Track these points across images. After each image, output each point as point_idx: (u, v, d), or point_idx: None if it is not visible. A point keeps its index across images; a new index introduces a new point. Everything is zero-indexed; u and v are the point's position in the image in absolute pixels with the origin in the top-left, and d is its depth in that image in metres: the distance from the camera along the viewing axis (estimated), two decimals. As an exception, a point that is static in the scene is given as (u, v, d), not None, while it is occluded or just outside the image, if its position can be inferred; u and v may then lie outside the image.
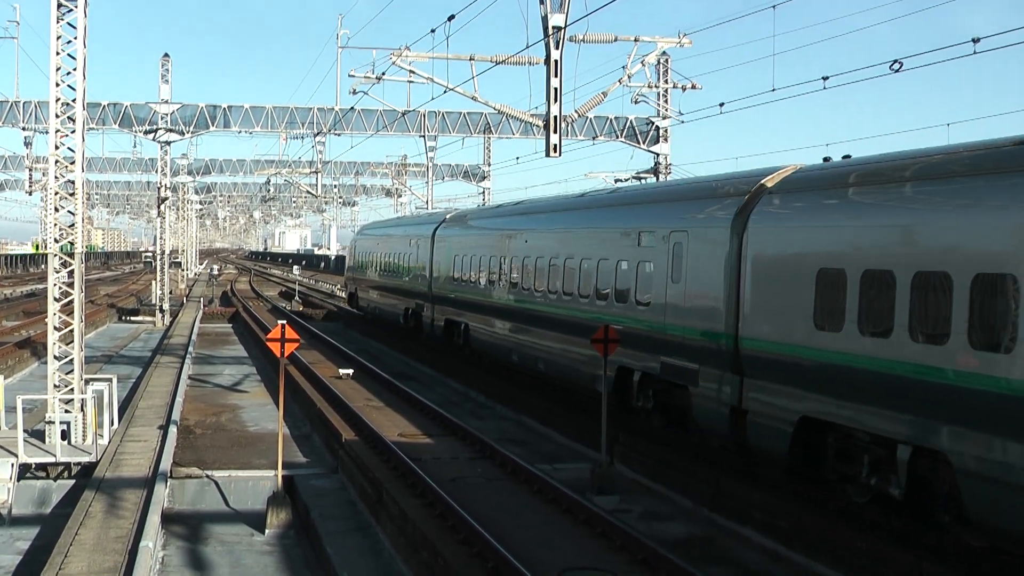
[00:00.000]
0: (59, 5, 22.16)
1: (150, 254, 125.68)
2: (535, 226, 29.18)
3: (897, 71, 23.54)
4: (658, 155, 50.85)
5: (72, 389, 22.44)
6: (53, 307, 22.81)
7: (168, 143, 53.90)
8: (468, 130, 54.08)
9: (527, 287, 28.21)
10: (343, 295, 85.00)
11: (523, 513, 17.60)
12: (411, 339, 42.86)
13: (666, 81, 47.53)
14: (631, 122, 51.32)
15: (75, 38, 22.30)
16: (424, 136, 57.59)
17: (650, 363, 21.17)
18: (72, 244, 22.70)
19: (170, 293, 64.02)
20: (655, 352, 20.95)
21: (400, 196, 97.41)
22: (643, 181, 49.72)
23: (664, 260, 20.53)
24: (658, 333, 20.72)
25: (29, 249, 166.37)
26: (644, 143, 51.19)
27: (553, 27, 23.25)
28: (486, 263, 31.90)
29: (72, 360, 22.64)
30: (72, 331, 22.73)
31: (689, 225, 20.10)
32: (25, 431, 21.57)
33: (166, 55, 53.58)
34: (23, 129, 54.71)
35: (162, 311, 58.12)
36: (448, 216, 40.47)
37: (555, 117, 23.87)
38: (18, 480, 20.76)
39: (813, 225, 16.64)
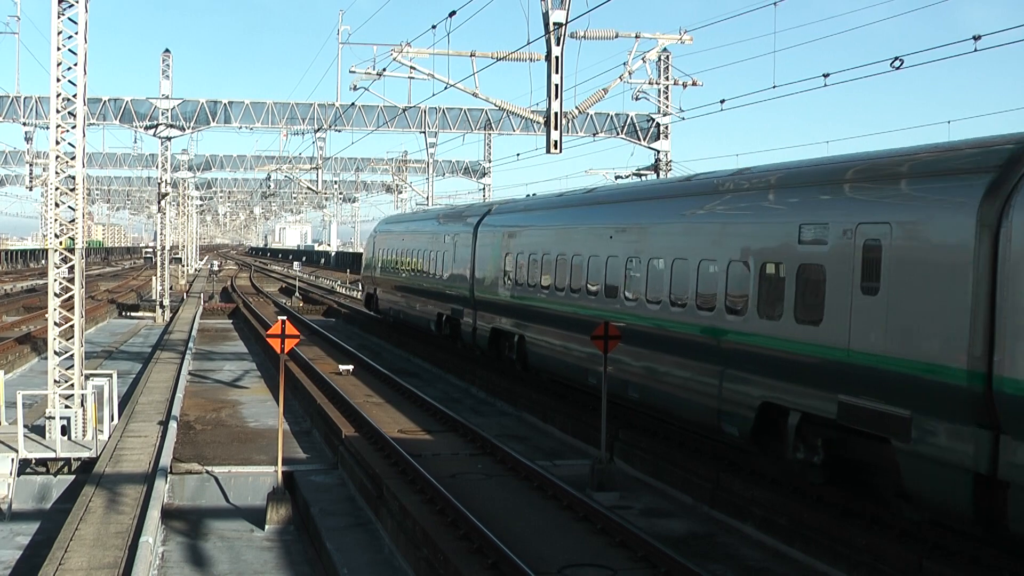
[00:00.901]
0: (60, 0, 22.15)
1: (150, 250, 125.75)
2: (633, 219, 23.08)
3: (898, 68, 23.53)
4: (659, 152, 50.83)
5: (72, 385, 22.45)
6: (53, 303, 22.81)
7: (169, 139, 53.92)
8: (469, 126, 54.05)
9: (614, 294, 22.80)
10: (343, 291, 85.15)
11: (523, 509, 17.59)
12: (444, 349, 37.94)
13: (667, 78, 47.51)
14: (632, 119, 51.31)
15: (76, 33, 22.30)
16: (425, 132, 57.56)
17: (819, 402, 15.79)
18: (72, 240, 22.71)
19: (170, 289, 64.05)
20: (829, 388, 15.52)
21: (401, 192, 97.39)
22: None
23: (847, 263, 15.21)
24: (835, 362, 15.33)
25: (30, 244, 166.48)
26: (645, 140, 51.17)
27: (554, 23, 23.24)
28: (552, 263, 26.50)
29: (72, 356, 22.65)
30: (72, 327, 22.74)
31: (892, 215, 14.61)
32: (25, 426, 21.58)
33: (167, 50, 53.65)
34: (24, 124, 54.60)
35: (162, 307, 58.11)
36: (494, 207, 34.58)
37: (556, 113, 23.85)
38: (18, 475, 20.78)
39: None
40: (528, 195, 35.46)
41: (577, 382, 25.43)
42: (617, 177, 50.85)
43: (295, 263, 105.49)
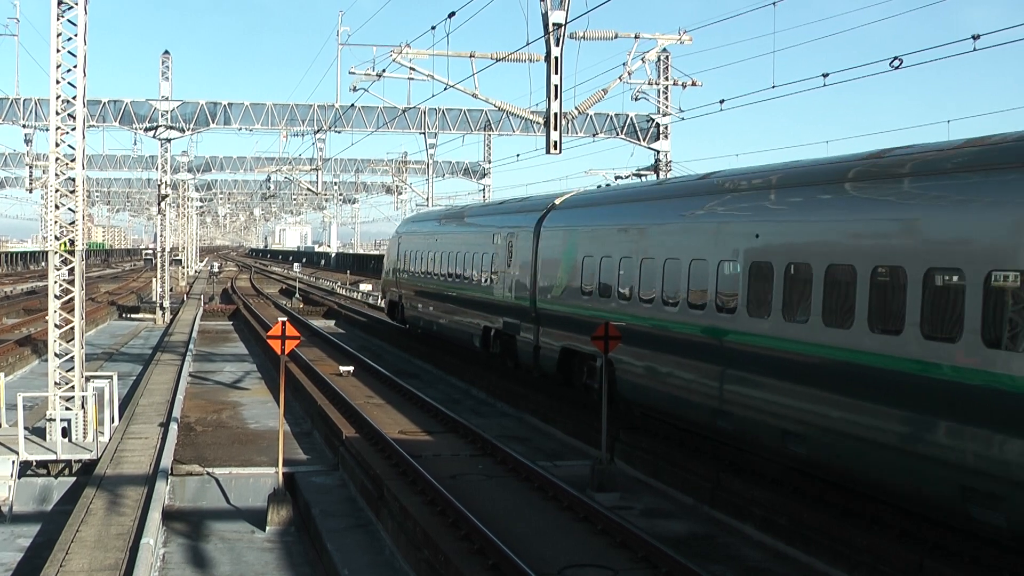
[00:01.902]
0: (60, 2, 22.16)
1: (150, 251, 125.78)
2: (791, 215, 17.46)
3: (897, 68, 23.52)
4: (658, 152, 50.86)
5: (73, 386, 22.46)
6: (54, 304, 22.82)
7: (168, 140, 53.92)
8: (468, 127, 54.08)
9: (762, 312, 17.03)
10: (344, 292, 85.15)
11: (524, 510, 17.60)
12: (493, 369, 32.27)
13: (666, 78, 47.51)
14: (631, 119, 51.33)
15: (75, 35, 22.31)
16: (424, 133, 57.60)
17: None
18: (72, 242, 22.71)
19: (170, 290, 64.06)
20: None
21: (401, 193, 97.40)
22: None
23: None
24: None
25: (30, 246, 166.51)
26: (644, 140, 51.19)
27: (553, 24, 23.25)
28: (659, 269, 20.68)
29: (73, 357, 22.65)
30: (73, 328, 22.74)
31: None
32: (26, 428, 21.59)
33: (166, 52, 53.69)
34: (23, 126, 54.65)
35: (162, 308, 58.14)
36: (559, 200, 28.62)
37: (555, 114, 23.86)
38: (19, 477, 20.79)
39: None
40: (600, 186, 31.90)
41: (695, 422, 19.85)
42: (617, 178, 50.84)
43: (295, 264, 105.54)
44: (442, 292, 37.26)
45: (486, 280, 31.93)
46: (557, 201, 28.50)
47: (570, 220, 26.90)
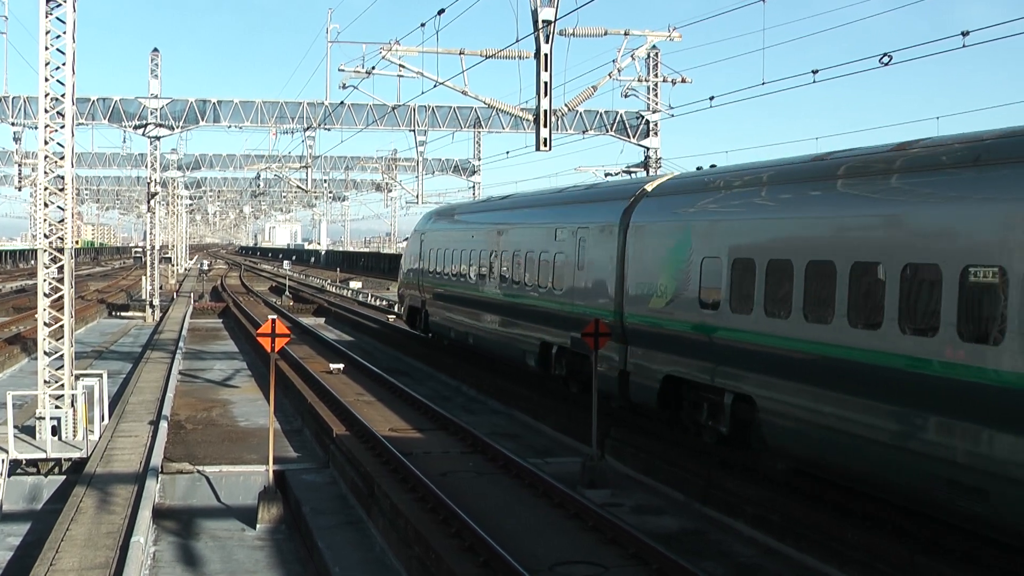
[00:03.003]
0: (48, 0, 22.09)
1: (140, 249, 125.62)
2: None
3: (887, 64, 23.56)
4: (648, 149, 50.86)
5: (62, 385, 22.40)
6: (43, 303, 22.76)
7: (158, 138, 53.84)
8: (458, 124, 54.03)
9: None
10: (334, 290, 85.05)
11: (515, 507, 17.60)
12: (553, 395, 26.80)
13: (656, 75, 47.53)
14: (621, 116, 51.31)
15: (64, 33, 22.24)
16: (414, 130, 57.50)
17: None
18: (61, 239, 22.67)
19: (160, 288, 63.95)
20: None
21: (391, 191, 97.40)
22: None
23: None
24: None
25: (19, 245, 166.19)
26: (634, 137, 51.18)
27: (543, 21, 23.24)
28: (841, 276, 15.14)
29: (62, 356, 22.60)
30: (62, 327, 22.69)
31: None
32: (15, 427, 21.56)
33: (155, 50, 53.57)
34: (12, 124, 54.44)
35: (152, 307, 58.05)
36: (652, 186, 22.67)
37: (545, 111, 23.85)
38: (9, 476, 20.73)
39: None
40: (700, 167, 23.02)
41: (899, 491, 14.82)
42: (607, 175, 50.84)
43: (285, 262, 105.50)
44: (482, 298, 31.25)
45: (546, 285, 26.24)
46: (649, 187, 22.75)
47: (678, 210, 20.86)
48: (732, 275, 18.01)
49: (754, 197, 18.47)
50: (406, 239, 50.25)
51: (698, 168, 23.06)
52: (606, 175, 50.96)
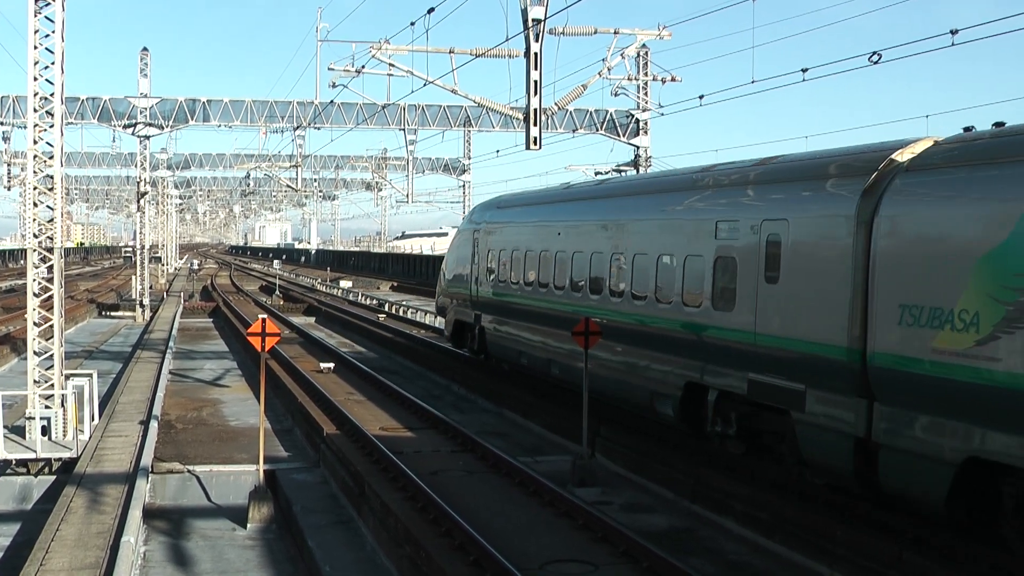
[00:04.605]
0: (36, -1, 22.09)
1: (130, 249, 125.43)
2: None
3: (876, 63, 23.62)
4: (638, 148, 50.93)
5: (52, 385, 22.39)
6: (33, 302, 22.73)
7: (147, 137, 53.80)
8: (448, 123, 54.07)
9: None
10: (324, 289, 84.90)
11: (505, 506, 17.62)
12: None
13: (646, 74, 47.64)
14: (611, 115, 51.38)
15: (53, 32, 22.22)
16: (404, 129, 57.53)
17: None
18: (51, 239, 22.64)
19: (150, 288, 63.86)
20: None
21: (381, 190, 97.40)
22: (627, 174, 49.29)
23: None
24: None
25: (8, 244, 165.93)
26: (624, 136, 51.25)
27: (533, 20, 23.26)
28: None
29: (52, 356, 22.58)
30: (52, 327, 22.67)
31: None
32: (5, 427, 21.49)
33: (145, 49, 53.51)
34: (1, 124, 54.41)
35: (142, 306, 57.95)
36: (905, 155, 15.32)
37: (535, 110, 23.87)
38: (-2, 476, 20.73)
39: None
40: (970, 127, 14.97)
41: None
42: (597, 173, 50.87)
43: (275, 261, 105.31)
44: (577, 317, 21.78)
45: (699, 303, 18.89)
46: (902, 156, 15.34)
47: (993, 193, 13.22)
48: None
49: None
50: (396, 238, 49.19)
51: (966, 129, 15.04)
52: (596, 174, 50.99)
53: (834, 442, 15.41)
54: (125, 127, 51.77)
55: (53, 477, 21.06)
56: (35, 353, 22.58)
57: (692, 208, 20.24)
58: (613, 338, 21.73)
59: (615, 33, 33.30)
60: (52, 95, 22.38)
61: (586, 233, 24.25)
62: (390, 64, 31.42)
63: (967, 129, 14.99)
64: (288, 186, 77.81)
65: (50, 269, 22.66)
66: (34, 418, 21.90)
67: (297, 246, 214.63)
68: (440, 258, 48.40)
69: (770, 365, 16.70)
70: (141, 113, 50.77)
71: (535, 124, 24.02)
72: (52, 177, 22.61)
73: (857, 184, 15.51)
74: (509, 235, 29.20)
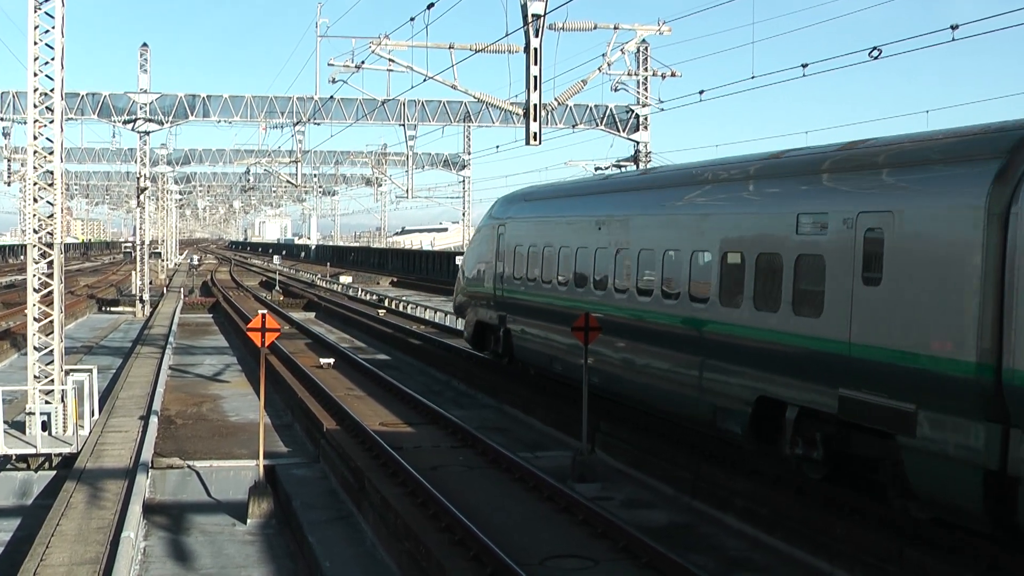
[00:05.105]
0: (36, -5, 22.08)
1: (130, 244, 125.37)
2: None
3: (876, 58, 23.60)
4: (638, 143, 50.91)
5: (52, 380, 22.39)
6: (33, 298, 22.74)
7: (147, 133, 53.79)
8: (448, 119, 54.06)
9: None
10: (324, 285, 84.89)
11: (505, 501, 17.62)
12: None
13: (646, 69, 47.61)
14: (611, 110, 51.36)
15: (53, 28, 22.21)
16: (404, 125, 57.51)
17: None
18: (51, 234, 22.64)
19: (150, 283, 63.87)
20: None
21: (380, 185, 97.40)
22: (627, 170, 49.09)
23: None
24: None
25: (8, 240, 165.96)
26: (624, 131, 51.23)
27: (532, 15, 23.28)
28: None
29: (52, 351, 22.58)
30: (52, 322, 22.67)
31: None
32: (5, 422, 21.52)
33: (145, 44, 53.54)
34: (0, 119, 54.40)
35: (142, 301, 57.97)
36: None
37: (535, 105, 23.89)
38: (-1, 472, 20.75)
39: None
40: None
41: None
42: (597, 169, 50.88)
43: (275, 257, 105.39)
44: (623, 320, 21.28)
45: (773, 306, 16.35)
46: None
47: None
48: None
49: None
50: (396, 233, 49.02)
51: None
52: (596, 169, 51.01)
53: (956, 474, 12.87)
54: (125, 123, 51.76)
55: (53, 472, 21.08)
56: (35, 348, 22.58)
57: (766, 199, 17.64)
58: (667, 345, 19.65)
59: (615, 28, 33.29)
60: (52, 91, 22.37)
61: (631, 228, 21.71)
62: (390, 60, 31.40)
63: None
64: (288, 182, 77.77)
65: (50, 265, 22.66)
66: (34, 413, 21.91)
67: (297, 242, 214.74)
68: (441, 253, 48.58)
69: (868, 380, 14.19)
70: (141, 109, 50.77)
71: (535, 119, 24.04)
72: (52, 173, 22.61)
73: (986, 169, 12.88)
74: (540, 229, 26.47)
